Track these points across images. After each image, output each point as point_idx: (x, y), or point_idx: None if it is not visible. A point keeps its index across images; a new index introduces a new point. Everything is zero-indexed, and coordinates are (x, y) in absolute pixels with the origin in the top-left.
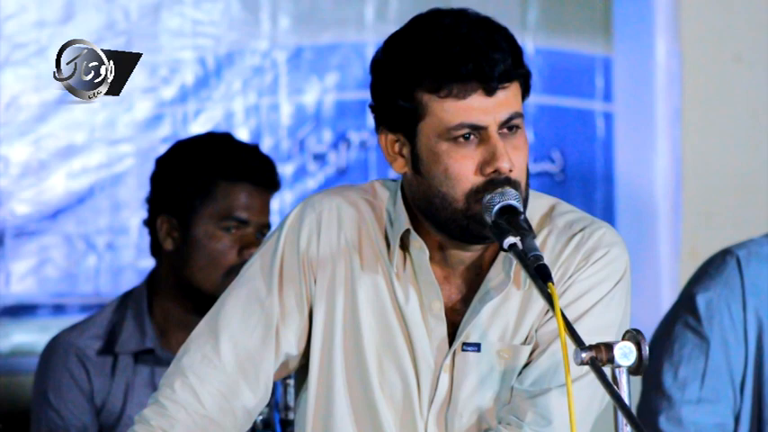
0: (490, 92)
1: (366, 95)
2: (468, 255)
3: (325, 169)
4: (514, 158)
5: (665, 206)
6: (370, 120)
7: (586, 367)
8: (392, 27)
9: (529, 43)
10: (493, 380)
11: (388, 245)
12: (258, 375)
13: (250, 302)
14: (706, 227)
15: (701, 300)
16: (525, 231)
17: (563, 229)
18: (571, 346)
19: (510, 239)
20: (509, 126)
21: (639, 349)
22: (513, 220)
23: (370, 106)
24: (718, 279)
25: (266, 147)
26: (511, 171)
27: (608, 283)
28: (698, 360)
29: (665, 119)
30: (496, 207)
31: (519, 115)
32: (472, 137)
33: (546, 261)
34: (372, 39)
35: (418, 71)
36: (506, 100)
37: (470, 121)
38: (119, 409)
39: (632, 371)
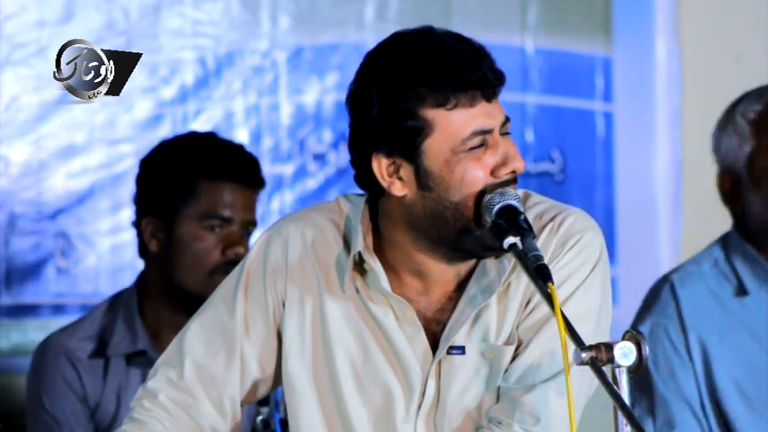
0: (489, 97)
1: None
2: (449, 268)
3: (325, 169)
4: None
5: (665, 206)
6: None
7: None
8: (392, 27)
9: (529, 43)
10: (479, 381)
11: (356, 262)
12: (221, 397)
13: (213, 328)
14: (706, 227)
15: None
16: (525, 231)
17: (534, 220)
18: (571, 346)
19: (510, 239)
20: (506, 130)
21: (639, 349)
22: (513, 220)
23: (351, 139)
24: (655, 309)
25: (266, 147)
26: None
27: (584, 270)
28: (642, 397)
29: (665, 119)
30: (496, 207)
31: (509, 118)
32: (481, 143)
33: None
34: (372, 39)
35: (420, 88)
36: (498, 104)
37: (480, 127)
38: (112, 412)
39: (632, 371)
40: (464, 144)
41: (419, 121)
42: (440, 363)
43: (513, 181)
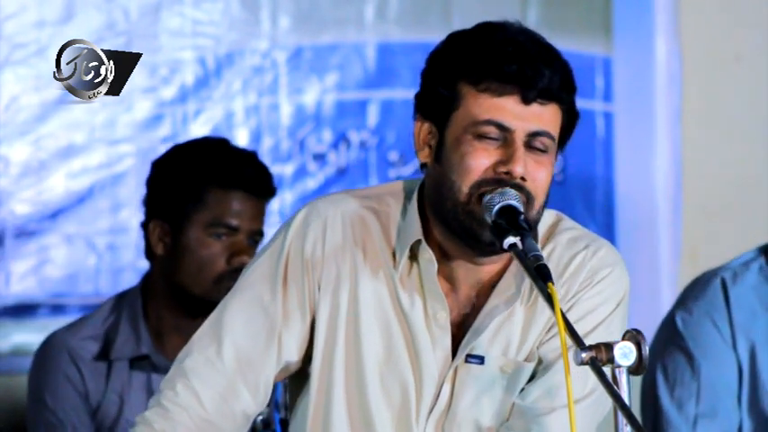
0: (527, 100)
1: (366, 95)
2: (475, 269)
3: (325, 169)
4: (534, 171)
5: (665, 206)
6: (371, 120)
7: (590, 387)
8: (392, 27)
9: None
10: (493, 394)
11: (394, 253)
12: (258, 381)
13: (253, 307)
14: (706, 227)
15: (686, 319)
16: (525, 231)
17: (567, 246)
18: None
19: (510, 239)
20: (537, 144)
21: (639, 349)
22: (513, 220)
23: (416, 95)
24: (703, 298)
25: (266, 147)
26: (524, 180)
27: (609, 305)
28: (691, 380)
29: (665, 119)
30: (496, 207)
31: (549, 136)
32: (496, 137)
33: None
34: (372, 39)
35: (463, 61)
36: (542, 115)
37: (498, 119)
38: (115, 414)
39: (632, 371)
40: (475, 126)
41: (452, 91)
42: (456, 369)
43: (512, 185)
